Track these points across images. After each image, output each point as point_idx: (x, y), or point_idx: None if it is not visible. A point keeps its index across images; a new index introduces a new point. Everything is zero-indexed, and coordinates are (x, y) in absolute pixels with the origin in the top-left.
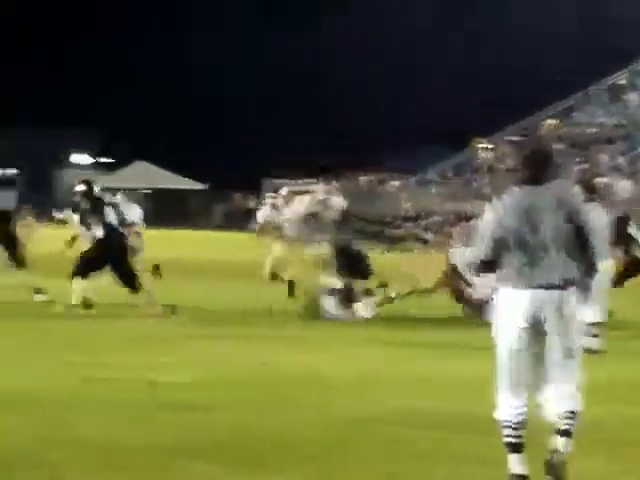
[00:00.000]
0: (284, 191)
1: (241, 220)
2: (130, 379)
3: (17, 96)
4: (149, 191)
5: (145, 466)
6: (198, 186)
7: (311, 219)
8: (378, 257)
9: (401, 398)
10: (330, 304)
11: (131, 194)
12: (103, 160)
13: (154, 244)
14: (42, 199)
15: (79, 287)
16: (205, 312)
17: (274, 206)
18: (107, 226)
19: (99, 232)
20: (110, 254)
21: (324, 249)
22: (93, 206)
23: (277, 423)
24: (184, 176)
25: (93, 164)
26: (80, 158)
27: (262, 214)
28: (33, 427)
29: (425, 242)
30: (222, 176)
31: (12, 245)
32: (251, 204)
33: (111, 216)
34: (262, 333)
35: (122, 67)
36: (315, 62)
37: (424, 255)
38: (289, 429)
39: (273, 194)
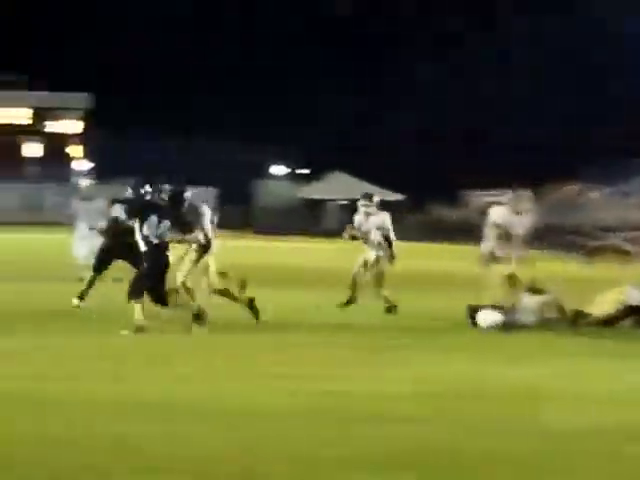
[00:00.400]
0: (376, 198)
1: (440, 231)
2: (328, 390)
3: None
4: (346, 202)
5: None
6: (395, 197)
7: (500, 232)
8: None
9: (618, 413)
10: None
11: (330, 205)
12: (300, 171)
13: (349, 256)
14: (245, 210)
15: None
16: (401, 322)
17: (367, 214)
18: (144, 239)
19: (142, 246)
20: (151, 269)
21: (512, 264)
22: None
23: (484, 437)
24: (381, 187)
25: (289, 175)
26: (277, 169)
27: (357, 219)
28: (244, 441)
29: (626, 253)
30: (419, 187)
31: (131, 254)
32: (451, 215)
33: (145, 229)
34: (462, 344)
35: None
36: None
37: (625, 266)
38: (498, 442)
39: (367, 202)
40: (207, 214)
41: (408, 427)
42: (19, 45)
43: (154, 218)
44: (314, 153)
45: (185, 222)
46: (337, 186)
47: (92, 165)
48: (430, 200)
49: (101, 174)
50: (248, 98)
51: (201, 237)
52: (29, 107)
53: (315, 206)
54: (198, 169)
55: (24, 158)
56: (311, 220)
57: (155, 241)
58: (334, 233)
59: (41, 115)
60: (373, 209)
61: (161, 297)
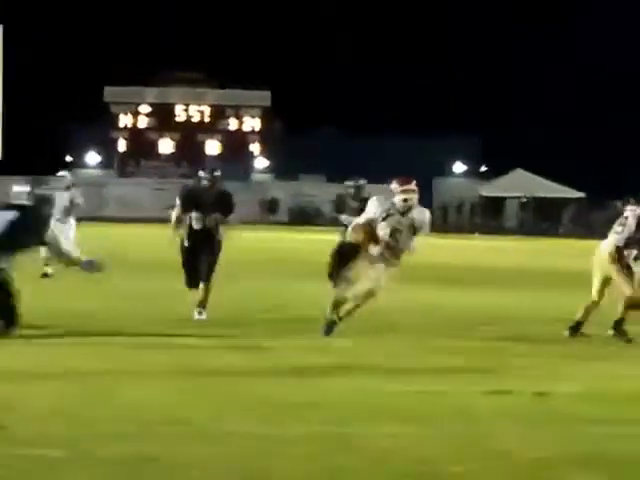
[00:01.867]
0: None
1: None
2: (519, 391)
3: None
4: (526, 199)
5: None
6: (576, 194)
7: None
8: None
9: None
10: None
11: (509, 202)
12: (482, 169)
13: (529, 254)
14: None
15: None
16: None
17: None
18: None
19: None
20: None
21: None
22: None
23: None
24: (562, 184)
25: (466, 172)
26: (457, 167)
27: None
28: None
29: None
30: (601, 184)
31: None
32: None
33: None
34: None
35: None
36: None
37: None
38: None
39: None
40: None
41: (588, 427)
42: (201, 42)
43: None
44: (494, 151)
45: None
46: (517, 183)
47: (269, 162)
48: (611, 197)
49: (279, 171)
50: (426, 96)
51: None
52: (209, 105)
53: (495, 204)
54: (380, 167)
55: (205, 156)
56: (491, 218)
57: None
58: (514, 231)
59: (221, 112)
60: None
61: None
